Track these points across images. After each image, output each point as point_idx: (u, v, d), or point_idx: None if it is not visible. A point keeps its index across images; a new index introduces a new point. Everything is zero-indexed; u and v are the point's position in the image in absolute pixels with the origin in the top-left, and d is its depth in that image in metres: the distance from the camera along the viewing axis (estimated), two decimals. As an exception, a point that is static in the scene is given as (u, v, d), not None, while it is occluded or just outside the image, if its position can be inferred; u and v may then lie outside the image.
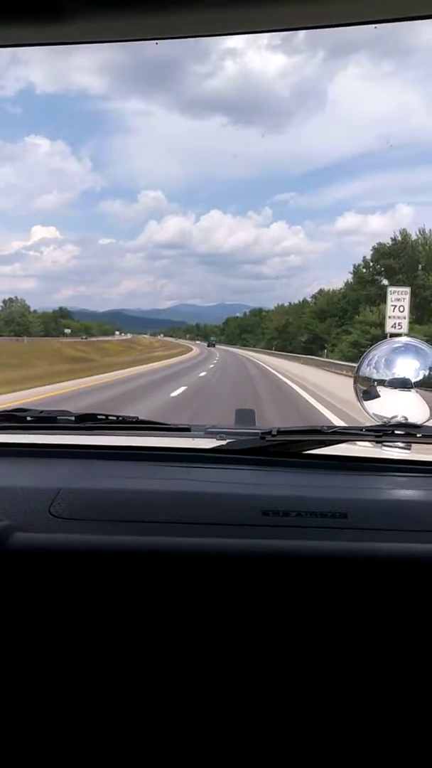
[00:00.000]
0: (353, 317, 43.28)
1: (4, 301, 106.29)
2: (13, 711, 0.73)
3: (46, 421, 1.36)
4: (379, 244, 47.55)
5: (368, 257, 48.15)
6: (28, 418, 1.35)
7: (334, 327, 47.58)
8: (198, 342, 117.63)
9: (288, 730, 0.73)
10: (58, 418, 1.35)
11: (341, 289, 52.41)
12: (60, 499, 0.97)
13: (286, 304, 75.28)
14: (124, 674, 0.73)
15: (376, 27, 0.68)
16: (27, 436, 1.32)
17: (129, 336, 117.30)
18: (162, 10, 0.66)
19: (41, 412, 1.38)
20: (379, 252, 46.33)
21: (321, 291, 61.70)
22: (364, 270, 48.33)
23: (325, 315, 50.91)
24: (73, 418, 1.34)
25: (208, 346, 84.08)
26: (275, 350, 54.05)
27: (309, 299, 66.05)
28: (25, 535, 0.79)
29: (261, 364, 32.68)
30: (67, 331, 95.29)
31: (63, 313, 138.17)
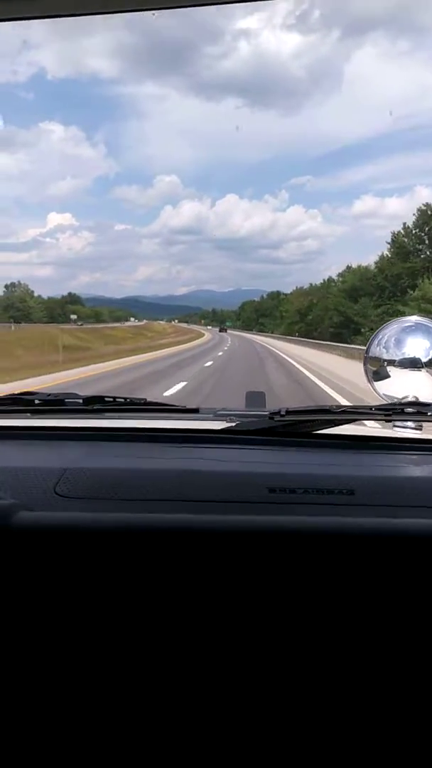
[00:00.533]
0: (394, 295, 35.32)
1: (6, 286, 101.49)
2: (18, 688, 0.74)
3: (53, 404, 1.36)
4: (426, 204, 39.17)
5: (409, 224, 39.90)
6: (36, 402, 1.36)
7: (371, 307, 39.61)
8: (209, 327, 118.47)
9: (294, 707, 0.74)
10: (66, 401, 1.36)
11: (377, 262, 44.17)
12: (65, 479, 0.96)
13: (306, 286, 67.28)
14: (130, 651, 0.74)
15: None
16: (35, 419, 1.32)
17: (142, 322, 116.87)
18: None
19: (49, 395, 1.39)
20: (427, 214, 38.06)
21: (349, 268, 53.58)
22: (405, 239, 40.12)
23: (359, 294, 43.08)
24: (80, 401, 1.35)
25: (220, 331, 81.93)
26: (299, 336, 46.29)
27: (335, 277, 57.80)
28: (30, 514, 0.80)
29: (285, 357, 24.85)
30: (74, 317, 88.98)
31: (72, 299, 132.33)
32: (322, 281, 62.14)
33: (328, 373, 16.08)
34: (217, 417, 1.28)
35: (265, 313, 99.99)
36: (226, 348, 32.34)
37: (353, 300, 43.54)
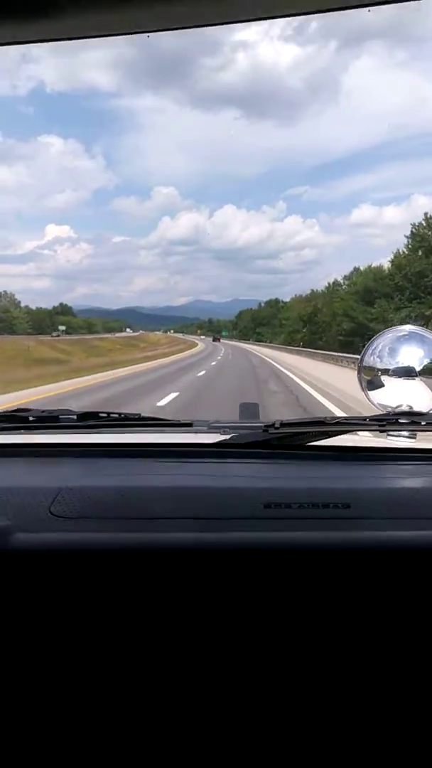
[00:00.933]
0: (417, 296, 29.26)
1: None
2: (16, 709, 0.76)
3: (48, 420, 1.36)
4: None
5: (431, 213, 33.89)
6: (30, 418, 1.35)
7: (392, 311, 33.42)
8: (203, 337, 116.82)
9: (294, 718, 0.77)
10: (60, 417, 1.36)
11: (392, 260, 38.03)
12: (60, 498, 0.96)
13: (306, 294, 61.25)
14: (127, 669, 0.76)
15: (368, 11, 0.68)
16: (29, 435, 1.32)
17: (137, 333, 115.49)
18: (159, 2, 0.66)
19: (43, 411, 1.38)
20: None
21: (356, 269, 47.56)
22: (429, 231, 34.05)
23: (373, 296, 36.89)
24: (75, 417, 1.35)
25: (213, 341, 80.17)
26: (303, 346, 39.93)
27: (341, 280, 51.70)
28: (25, 535, 0.81)
29: (288, 375, 19.03)
30: (62, 328, 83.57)
31: (64, 309, 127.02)
32: (326, 285, 56.00)
33: (349, 398, 10.45)
34: (212, 430, 1.27)
35: (263, 322, 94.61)
36: (213, 364, 27.32)
37: (367, 303, 37.50)
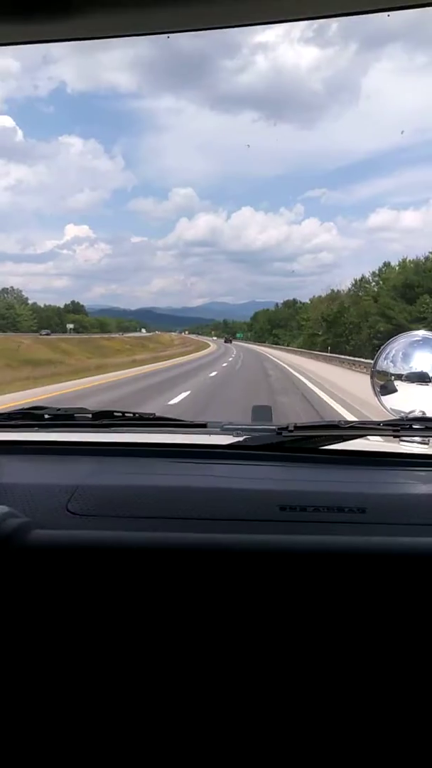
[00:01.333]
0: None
1: None
2: (31, 703, 0.76)
3: (63, 418, 1.37)
4: None
5: None
6: (46, 416, 1.37)
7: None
8: (215, 338, 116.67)
9: (300, 725, 0.75)
10: (75, 415, 1.37)
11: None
12: (77, 496, 0.98)
13: (326, 293, 55.58)
14: (139, 667, 0.76)
15: (388, 15, 0.71)
16: (45, 433, 1.33)
17: (150, 333, 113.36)
18: (180, 3, 0.67)
19: (58, 409, 1.39)
20: None
21: (387, 265, 42.05)
22: None
23: (415, 292, 31.23)
24: (90, 416, 1.36)
25: (225, 342, 77.91)
26: (330, 351, 34.13)
27: (369, 277, 46.06)
28: (42, 532, 0.81)
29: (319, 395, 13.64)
30: (70, 326, 79.08)
31: (75, 307, 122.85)
32: (353, 281, 50.16)
33: None
34: (225, 431, 1.27)
35: (280, 324, 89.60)
36: (220, 368, 23.91)
37: (407, 300, 31.94)
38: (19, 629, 0.75)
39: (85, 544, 0.79)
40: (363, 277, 46.89)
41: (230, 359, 31.56)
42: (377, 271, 44.38)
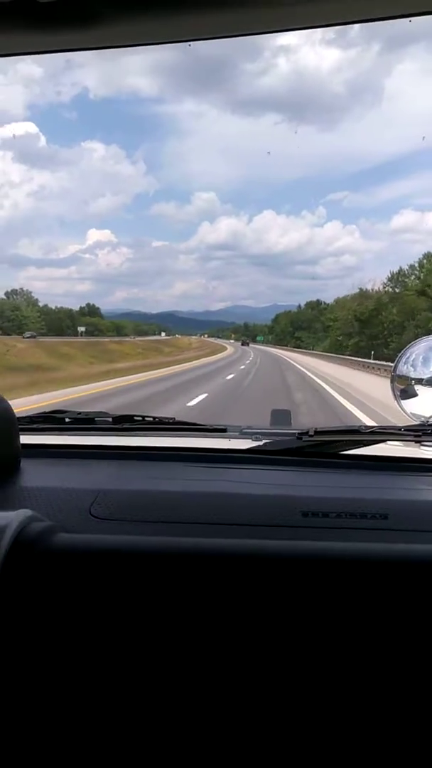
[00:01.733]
0: None
1: (7, 293, 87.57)
2: (50, 707, 0.75)
3: (84, 422, 1.39)
4: None
5: None
6: (67, 420, 1.39)
7: None
8: (232, 341, 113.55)
9: (323, 733, 0.75)
10: (96, 419, 1.38)
11: None
12: (100, 500, 0.98)
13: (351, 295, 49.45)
14: (161, 673, 0.76)
15: (409, 21, 0.71)
16: (65, 437, 1.34)
17: (168, 336, 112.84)
18: (203, 11, 0.68)
19: (79, 413, 1.41)
20: None
21: (428, 255, 36.15)
22: None
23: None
24: (110, 420, 1.38)
25: (242, 345, 76.14)
26: (374, 357, 27.79)
27: (406, 269, 40.06)
28: (67, 536, 0.82)
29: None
30: (81, 329, 74.50)
31: (90, 310, 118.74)
32: (389, 275, 43.95)
33: None
34: (245, 436, 1.29)
35: (303, 326, 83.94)
36: (222, 383, 18.75)
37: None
38: (43, 633, 0.75)
39: (110, 549, 0.79)
40: (401, 270, 40.78)
41: (241, 368, 26.21)
42: (416, 264, 38.46)
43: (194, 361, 34.12)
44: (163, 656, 0.74)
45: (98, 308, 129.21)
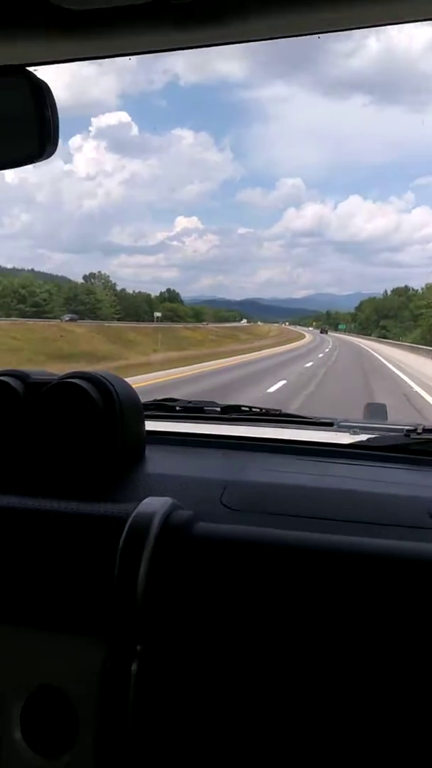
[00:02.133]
0: None
1: (85, 277, 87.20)
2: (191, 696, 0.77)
3: (193, 411, 1.42)
4: None
5: None
6: (177, 408, 1.43)
7: None
8: (311, 329, 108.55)
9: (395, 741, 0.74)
10: (205, 408, 1.42)
11: None
12: (229, 490, 0.99)
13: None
14: (283, 668, 0.76)
15: None
16: (174, 424, 1.37)
17: (247, 323, 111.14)
18: (270, 11, 0.70)
19: (189, 402, 1.45)
20: None
21: None
22: None
23: None
24: (218, 409, 1.41)
25: (321, 332, 76.79)
26: None
27: None
28: (209, 525, 0.84)
29: None
30: (158, 314, 72.62)
31: (171, 296, 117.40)
32: None
33: None
34: (352, 431, 1.28)
35: (389, 314, 78.22)
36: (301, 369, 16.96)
37: None
38: (191, 618, 0.76)
39: (248, 540, 0.80)
40: None
41: (325, 350, 23.50)
42: None
43: (267, 350, 31.38)
44: (294, 647, 0.74)
45: (178, 294, 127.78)
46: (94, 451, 1.03)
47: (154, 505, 0.83)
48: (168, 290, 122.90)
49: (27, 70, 0.79)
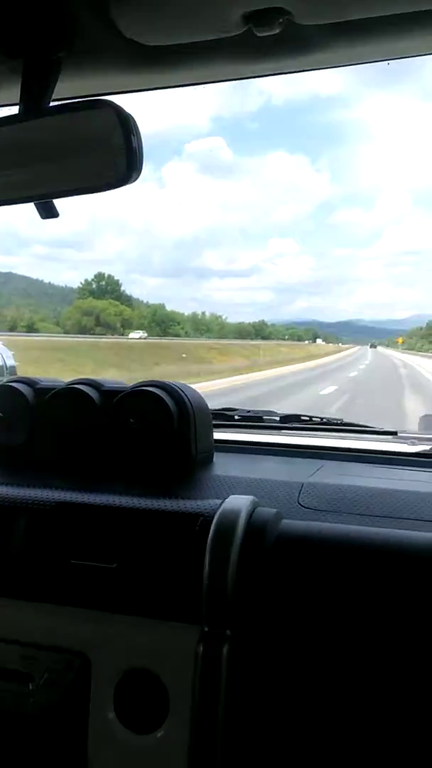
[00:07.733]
0: None
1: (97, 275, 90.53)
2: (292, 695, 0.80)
3: (253, 420, 1.44)
4: None
5: None
6: (236, 417, 1.44)
7: None
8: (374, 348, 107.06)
9: None
10: (264, 417, 1.43)
11: None
12: (306, 491, 1.02)
13: None
14: (378, 661, 0.78)
15: None
16: (234, 433, 1.38)
17: (320, 343, 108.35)
18: (389, 33, 0.71)
19: (248, 411, 1.46)
20: None
21: None
22: None
23: None
24: (277, 418, 1.43)
25: (370, 347, 76.66)
26: None
27: None
28: (292, 522, 0.88)
29: None
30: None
31: (260, 327, 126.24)
32: None
33: None
34: (415, 441, 1.28)
35: None
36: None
37: None
38: (279, 610, 0.79)
39: (335, 537, 0.82)
40: None
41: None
42: None
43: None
44: (378, 638, 0.77)
45: (268, 324, 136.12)
46: (170, 456, 1.08)
47: (238, 503, 0.86)
48: (260, 321, 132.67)
49: (114, 102, 0.81)
